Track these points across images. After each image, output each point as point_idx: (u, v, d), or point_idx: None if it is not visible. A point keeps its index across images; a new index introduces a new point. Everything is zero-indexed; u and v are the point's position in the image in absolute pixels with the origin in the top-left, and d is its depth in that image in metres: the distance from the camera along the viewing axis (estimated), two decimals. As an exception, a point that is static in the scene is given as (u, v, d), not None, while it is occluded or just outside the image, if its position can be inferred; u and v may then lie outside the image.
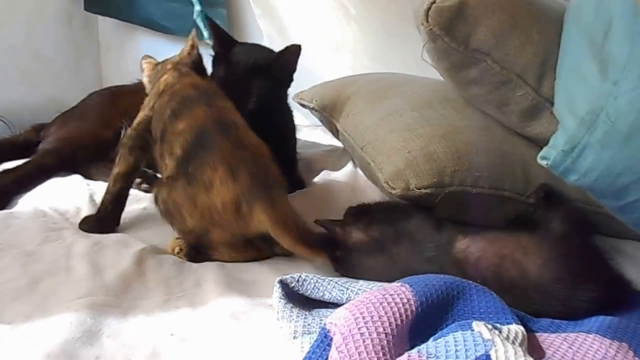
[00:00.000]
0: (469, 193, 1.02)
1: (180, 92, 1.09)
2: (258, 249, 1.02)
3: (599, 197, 0.91)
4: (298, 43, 1.28)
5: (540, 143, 1.07)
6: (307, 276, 0.82)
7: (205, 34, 2.49)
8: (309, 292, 0.81)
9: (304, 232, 0.94)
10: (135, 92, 1.40)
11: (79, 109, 1.52)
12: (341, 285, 0.80)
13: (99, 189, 1.24)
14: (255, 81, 1.24)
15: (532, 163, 1.04)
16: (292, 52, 1.30)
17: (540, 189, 0.97)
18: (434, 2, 1.03)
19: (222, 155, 0.96)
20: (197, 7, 2.47)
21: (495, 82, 1.06)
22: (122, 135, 1.41)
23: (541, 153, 0.94)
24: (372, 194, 1.18)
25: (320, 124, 1.59)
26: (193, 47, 1.23)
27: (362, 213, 1.01)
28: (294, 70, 1.34)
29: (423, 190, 1.01)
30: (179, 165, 0.99)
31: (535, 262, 0.81)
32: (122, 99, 1.49)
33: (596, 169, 0.85)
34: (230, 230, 0.96)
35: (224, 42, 1.33)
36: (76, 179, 1.28)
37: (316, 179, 1.37)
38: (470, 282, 0.75)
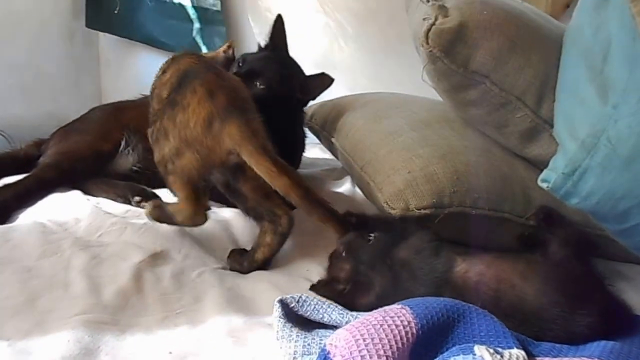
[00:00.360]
0: (468, 214, 1.02)
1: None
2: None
3: (600, 220, 0.91)
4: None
5: (539, 165, 1.08)
6: (307, 297, 0.81)
7: (204, 50, 2.51)
8: (308, 313, 0.81)
9: (271, 151, 0.95)
10: (139, 106, 1.41)
11: (80, 123, 1.52)
12: (341, 309, 0.80)
13: (99, 201, 1.24)
14: (271, 73, 1.25)
15: (532, 185, 1.05)
16: (323, 81, 1.33)
17: (540, 211, 0.97)
18: (433, 24, 1.04)
19: (203, 82, 0.98)
20: (197, 25, 2.49)
21: (495, 103, 1.07)
22: (121, 146, 1.41)
23: (541, 176, 0.95)
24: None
25: (318, 142, 1.59)
26: (230, 47, 1.25)
27: (361, 223, 0.99)
28: (315, 97, 1.36)
29: (423, 211, 1.01)
30: (164, 101, 1.03)
31: (533, 286, 0.81)
32: (124, 113, 1.49)
33: (597, 192, 0.85)
34: (199, 150, 0.95)
35: (276, 42, 1.35)
36: (75, 193, 1.28)
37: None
38: (471, 305, 0.75)
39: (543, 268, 0.83)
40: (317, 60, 2.46)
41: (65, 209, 1.19)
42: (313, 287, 0.92)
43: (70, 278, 0.90)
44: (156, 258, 1.00)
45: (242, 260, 1.04)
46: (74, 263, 0.94)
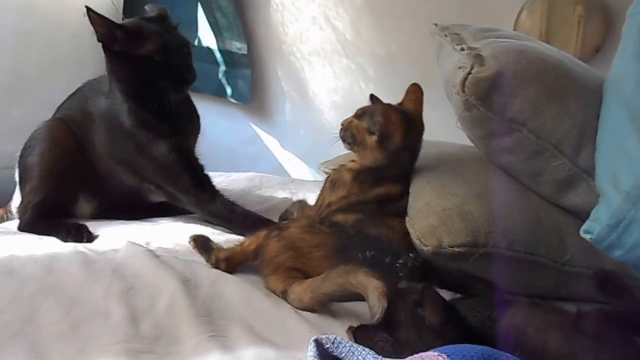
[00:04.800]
0: (503, 255, 1.01)
1: None
2: None
3: None
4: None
5: (575, 213, 1.07)
6: (342, 339, 0.80)
7: (229, 91, 2.57)
8: (343, 354, 0.79)
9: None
10: None
11: None
12: (375, 354, 0.78)
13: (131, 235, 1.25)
14: None
15: (567, 230, 1.04)
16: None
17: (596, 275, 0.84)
18: (470, 73, 1.05)
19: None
20: (223, 67, 2.56)
21: (530, 151, 1.06)
22: None
23: (584, 227, 0.93)
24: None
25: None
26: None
27: None
28: None
29: (456, 249, 1.00)
30: None
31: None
32: None
33: None
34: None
35: None
36: (110, 230, 1.31)
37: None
38: (509, 354, 0.73)
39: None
40: (337, 100, 2.52)
41: (103, 240, 1.22)
42: (354, 331, 0.86)
43: (110, 307, 0.91)
44: (187, 285, 1.00)
45: None
46: (113, 292, 0.95)
